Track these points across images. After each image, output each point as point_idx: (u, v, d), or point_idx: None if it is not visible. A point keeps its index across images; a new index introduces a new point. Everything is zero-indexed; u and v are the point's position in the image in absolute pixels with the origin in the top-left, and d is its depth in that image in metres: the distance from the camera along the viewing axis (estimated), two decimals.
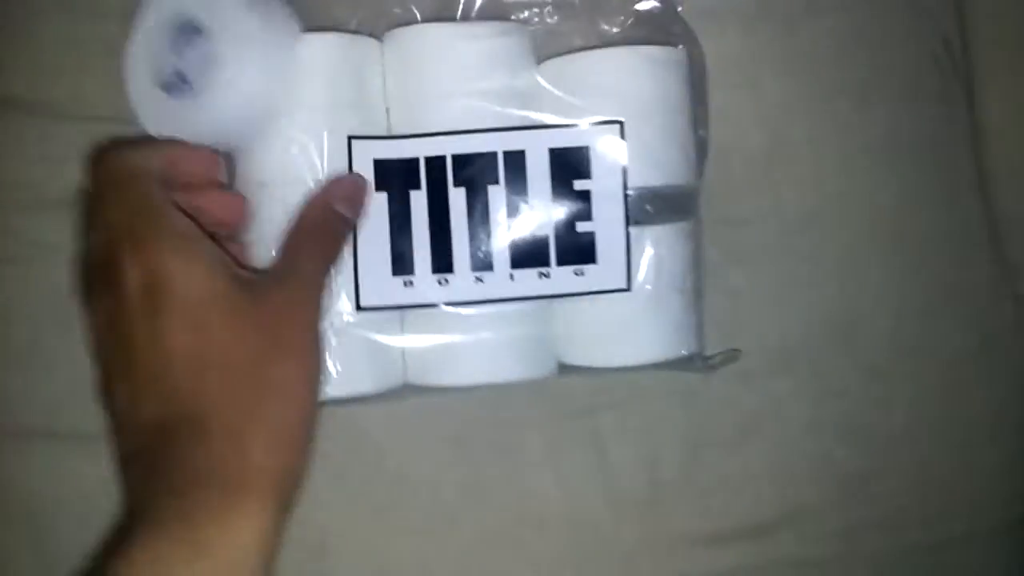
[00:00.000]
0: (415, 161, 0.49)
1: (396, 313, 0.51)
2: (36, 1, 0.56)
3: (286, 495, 0.42)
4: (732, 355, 0.57)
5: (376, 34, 0.52)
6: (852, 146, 0.59)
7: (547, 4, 0.53)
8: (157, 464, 0.41)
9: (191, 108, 0.47)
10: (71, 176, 0.53)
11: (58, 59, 0.56)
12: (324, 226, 0.48)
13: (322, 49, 0.49)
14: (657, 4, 0.53)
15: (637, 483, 0.59)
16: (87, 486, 0.55)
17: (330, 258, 0.47)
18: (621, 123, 0.49)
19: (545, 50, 0.52)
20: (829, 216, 0.59)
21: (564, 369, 0.54)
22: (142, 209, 0.43)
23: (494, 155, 0.49)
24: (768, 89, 0.58)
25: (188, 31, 0.47)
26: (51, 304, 0.56)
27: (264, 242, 0.49)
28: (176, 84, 0.47)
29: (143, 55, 0.48)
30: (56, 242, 0.54)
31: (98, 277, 0.43)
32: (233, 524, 0.40)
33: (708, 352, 0.55)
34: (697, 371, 0.55)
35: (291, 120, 0.49)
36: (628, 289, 0.50)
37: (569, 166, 0.49)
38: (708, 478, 0.59)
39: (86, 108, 0.56)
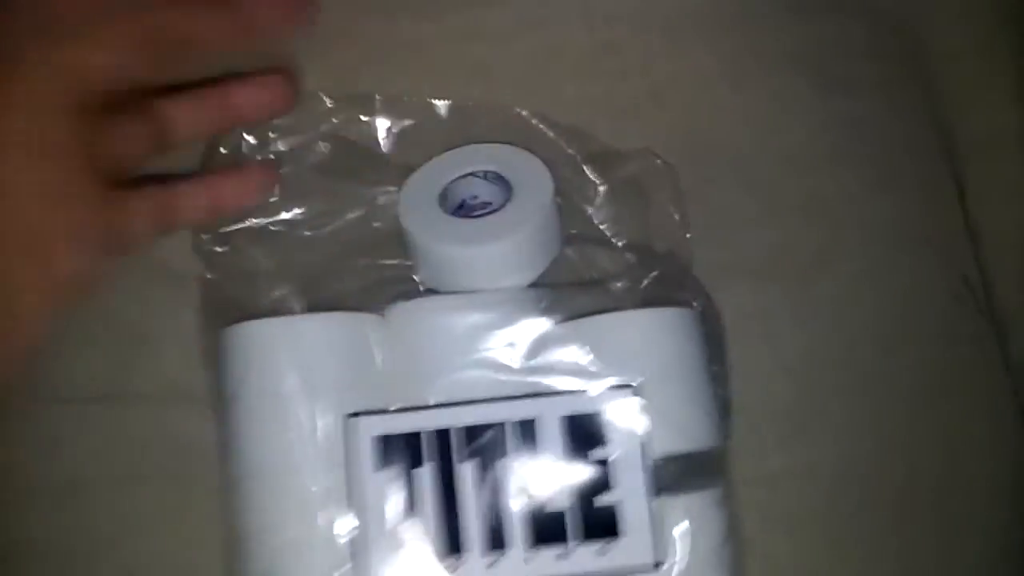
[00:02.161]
0: (418, 436, 0.46)
1: None
2: None
3: None
4: None
5: (377, 308, 0.50)
6: (883, 395, 0.55)
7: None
8: None
9: (473, 227, 0.50)
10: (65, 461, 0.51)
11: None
12: None
13: (321, 330, 0.48)
14: (668, 266, 0.52)
15: None
16: None
17: None
18: (636, 387, 0.46)
19: (554, 314, 0.50)
20: (867, 471, 0.54)
21: None
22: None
23: (503, 426, 0.46)
24: (786, 342, 0.55)
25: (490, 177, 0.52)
26: None
27: (258, 536, 0.46)
28: (474, 205, 0.52)
29: (427, 188, 0.51)
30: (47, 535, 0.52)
31: None
32: None
33: None
34: None
35: (289, 405, 0.46)
36: (658, 566, 0.45)
37: (584, 434, 0.46)
38: None
39: (84, 387, 0.54)
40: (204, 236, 0.53)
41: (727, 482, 0.49)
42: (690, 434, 0.47)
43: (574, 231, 0.54)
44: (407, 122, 0.55)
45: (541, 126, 0.54)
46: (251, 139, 0.53)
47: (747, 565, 0.50)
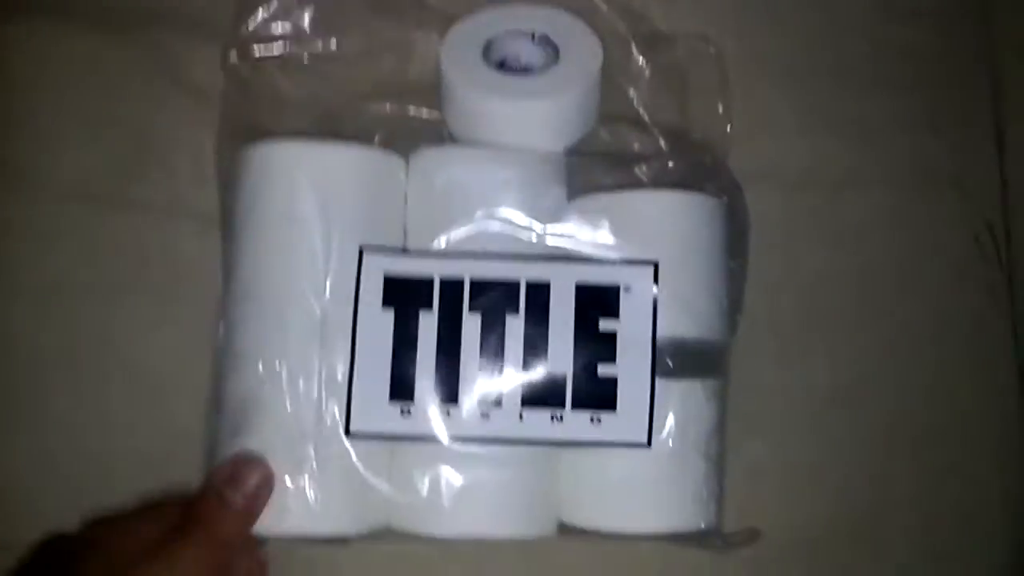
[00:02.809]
0: (429, 281, 0.45)
1: (387, 446, 0.46)
2: None
3: None
4: (752, 535, 0.51)
5: (400, 151, 0.49)
6: (891, 326, 0.55)
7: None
8: None
9: (517, 83, 0.48)
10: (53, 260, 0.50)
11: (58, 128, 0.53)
12: (214, 514, 0.43)
13: (344, 162, 0.47)
14: (701, 155, 0.51)
15: None
16: None
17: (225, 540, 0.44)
18: (656, 264, 0.46)
19: (578, 187, 0.49)
20: (861, 396, 0.55)
21: (564, 531, 0.48)
22: None
23: (516, 284, 0.45)
24: (806, 258, 0.55)
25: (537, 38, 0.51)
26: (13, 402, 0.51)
27: (250, 357, 0.45)
28: (514, 65, 0.50)
29: (472, 39, 0.50)
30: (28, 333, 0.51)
31: None
32: None
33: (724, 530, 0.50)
34: (712, 549, 0.49)
35: (300, 228, 0.45)
36: (648, 445, 0.45)
37: (596, 304, 0.45)
38: None
39: (83, 186, 0.53)
40: (234, 56, 0.51)
41: (725, 379, 0.49)
42: (700, 321, 0.47)
43: (611, 110, 0.52)
44: None
45: None
46: None
47: (728, 464, 0.50)
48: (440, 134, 0.51)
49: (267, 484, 0.43)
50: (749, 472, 0.52)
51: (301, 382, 0.44)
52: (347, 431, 0.44)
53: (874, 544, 0.54)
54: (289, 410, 0.44)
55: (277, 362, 0.45)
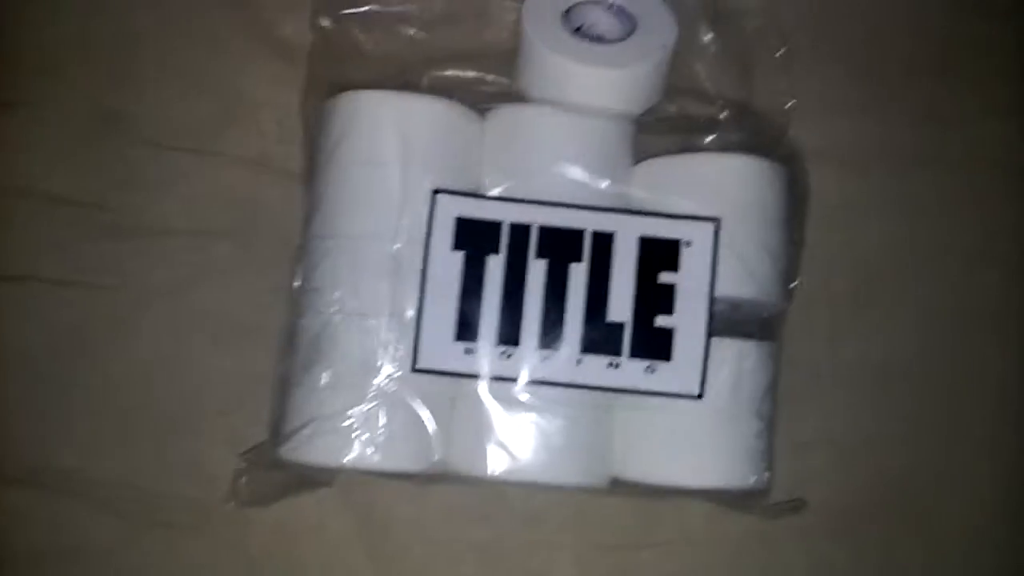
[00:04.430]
0: (498, 225, 0.47)
1: (450, 386, 0.47)
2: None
3: None
4: (798, 504, 0.52)
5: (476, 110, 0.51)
6: (945, 306, 0.56)
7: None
8: None
9: (595, 50, 0.50)
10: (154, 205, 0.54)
11: (165, 81, 0.56)
12: None
13: (424, 111, 0.49)
14: (763, 127, 0.53)
15: None
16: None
17: None
18: (718, 220, 0.47)
19: (645, 154, 0.51)
20: (914, 373, 0.55)
21: (616, 484, 0.49)
22: None
23: (581, 232, 0.47)
24: (865, 234, 0.56)
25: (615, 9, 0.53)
26: (107, 335, 0.54)
27: (325, 293, 0.47)
28: (589, 33, 0.52)
29: (552, 3, 0.52)
30: (126, 272, 0.54)
31: None
32: None
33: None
34: (759, 514, 0.50)
35: (380, 171, 0.47)
36: (700, 396, 0.47)
37: (657, 257, 0.47)
38: None
39: (183, 137, 0.56)
40: (323, 17, 0.54)
41: (778, 344, 0.50)
42: (757, 282, 0.48)
43: (677, 83, 0.54)
44: None
45: None
46: None
47: (777, 436, 0.51)
48: (512, 99, 0.53)
49: None
50: (797, 445, 0.53)
51: (372, 319, 0.46)
52: (414, 367, 0.46)
53: (919, 519, 0.55)
54: (359, 345, 0.46)
55: (350, 299, 0.47)
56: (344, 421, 0.46)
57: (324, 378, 0.47)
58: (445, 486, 0.50)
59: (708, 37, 0.54)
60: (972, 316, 0.56)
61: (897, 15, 0.58)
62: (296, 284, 0.50)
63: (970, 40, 0.59)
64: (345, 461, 0.46)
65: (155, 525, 0.52)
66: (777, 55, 0.54)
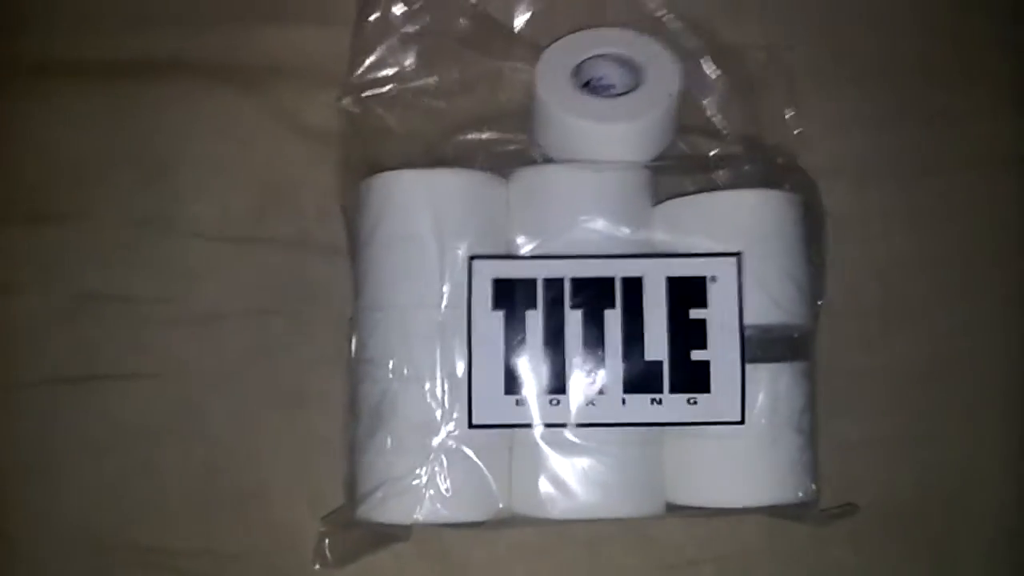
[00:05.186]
0: (533, 282, 0.50)
1: (505, 436, 0.51)
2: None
3: None
4: (848, 510, 0.54)
5: (498, 172, 0.54)
6: (969, 307, 0.58)
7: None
8: None
9: (606, 106, 0.53)
10: (206, 293, 0.57)
11: (201, 178, 0.60)
12: None
13: (452, 184, 0.52)
14: (774, 158, 0.56)
15: None
16: None
17: None
18: (739, 255, 0.50)
19: (662, 194, 0.54)
20: (944, 373, 0.57)
21: (671, 509, 0.52)
22: None
23: (612, 280, 0.50)
24: (882, 245, 0.58)
25: (621, 62, 0.55)
26: (176, 419, 0.57)
27: (380, 362, 0.51)
28: (599, 86, 0.55)
29: (562, 63, 0.55)
30: (187, 359, 0.58)
31: None
32: None
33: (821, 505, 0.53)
34: (811, 522, 0.52)
35: (418, 244, 0.51)
36: (742, 422, 0.49)
37: (686, 295, 0.50)
38: None
39: (225, 228, 0.59)
40: (345, 99, 0.58)
41: (811, 361, 0.53)
42: (784, 307, 0.51)
43: (687, 122, 0.57)
44: (541, 4, 0.59)
45: (666, 16, 0.57)
46: (400, 7, 0.57)
47: (819, 446, 0.53)
48: (532, 154, 0.56)
49: None
50: (841, 450, 0.55)
51: (426, 382, 0.50)
52: (470, 423, 0.49)
53: (966, 517, 0.56)
54: (417, 408, 0.50)
55: (404, 366, 0.50)
56: (413, 480, 0.49)
57: (389, 442, 0.50)
58: (512, 528, 0.53)
59: (712, 75, 0.57)
60: (996, 312, 0.58)
61: (904, 22, 0.60)
62: (352, 354, 0.54)
63: (980, 43, 0.60)
64: (417, 517, 0.49)
65: None
66: (783, 90, 0.57)
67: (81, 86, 0.60)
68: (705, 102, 0.57)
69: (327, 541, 0.53)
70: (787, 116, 0.57)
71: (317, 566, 0.53)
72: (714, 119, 0.57)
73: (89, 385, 0.58)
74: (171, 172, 0.60)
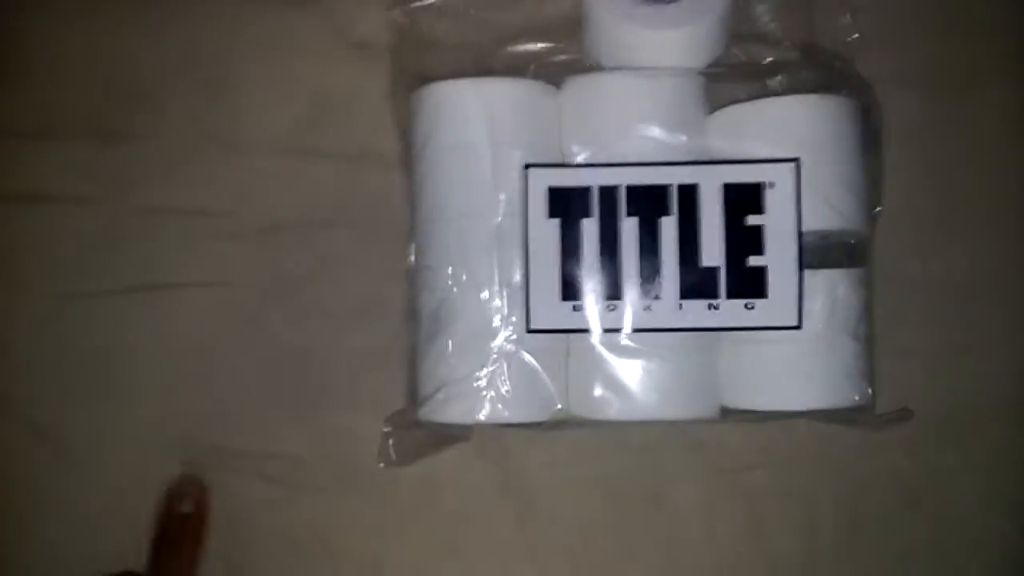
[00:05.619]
0: (588, 190, 0.51)
1: (563, 341, 0.52)
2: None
3: None
4: (904, 414, 0.55)
5: (549, 82, 0.54)
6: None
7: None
8: None
9: (658, 12, 0.52)
10: (265, 206, 0.59)
11: (255, 93, 0.61)
12: (174, 532, 0.57)
13: (505, 92, 0.52)
14: (831, 63, 0.55)
15: (793, 548, 0.57)
16: None
17: (190, 555, 0.57)
18: (797, 160, 0.50)
19: (717, 102, 0.53)
20: (999, 282, 0.57)
21: (727, 413, 0.53)
22: None
23: (667, 187, 0.50)
24: (940, 153, 0.58)
25: None
26: (239, 328, 0.59)
27: (438, 270, 0.52)
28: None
29: None
30: (248, 269, 0.59)
31: None
32: None
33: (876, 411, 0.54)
34: (866, 427, 0.53)
35: (472, 154, 0.51)
36: (799, 327, 0.50)
37: (742, 201, 0.50)
38: (867, 551, 0.57)
39: (282, 141, 0.60)
40: (394, 10, 0.58)
41: (868, 268, 0.53)
42: (841, 213, 0.51)
43: (741, 29, 0.56)
44: None
45: None
46: None
47: (877, 350, 0.53)
48: (582, 65, 0.56)
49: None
50: (897, 358, 0.56)
51: (484, 289, 0.51)
52: (528, 328, 0.51)
53: (1021, 426, 0.57)
54: (477, 314, 0.51)
55: (463, 273, 0.51)
56: (474, 382, 0.51)
57: (449, 346, 0.51)
58: (569, 430, 0.54)
59: None
60: None
61: None
62: (410, 264, 0.55)
63: None
64: (479, 417, 0.51)
65: (309, 488, 0.58)
66: None
67: (139, 4, 0.61)
68: (759, 8, 0.56)
69: (391, 441, 0.55)
70: (843, 22, 0.56)
71: (382, 464, 0.55)
72: (769, 25, 0.56)
73: (155, 295, 0.59)
74: (227, 88, 0.61)
